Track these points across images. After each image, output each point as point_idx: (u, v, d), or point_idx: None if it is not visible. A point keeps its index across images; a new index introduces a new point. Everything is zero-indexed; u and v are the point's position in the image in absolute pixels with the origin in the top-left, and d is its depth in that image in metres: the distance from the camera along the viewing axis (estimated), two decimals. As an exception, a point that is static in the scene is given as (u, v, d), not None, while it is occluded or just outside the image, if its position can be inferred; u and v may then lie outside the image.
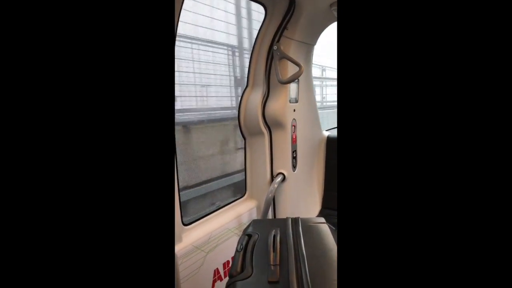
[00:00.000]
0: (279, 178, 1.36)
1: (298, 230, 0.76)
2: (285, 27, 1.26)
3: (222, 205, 1.30)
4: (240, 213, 1.32)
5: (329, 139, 1.72)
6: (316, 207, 1.67)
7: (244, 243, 0.71)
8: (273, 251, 0.65)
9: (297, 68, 1.23)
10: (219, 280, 1.18)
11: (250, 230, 0.80)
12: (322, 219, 0.83)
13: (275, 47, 1.27)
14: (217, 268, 1.17)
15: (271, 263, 0.61)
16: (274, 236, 0.71)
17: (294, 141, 1.43)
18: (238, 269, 0.62)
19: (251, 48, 1.31)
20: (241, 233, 0.86)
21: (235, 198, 1.39)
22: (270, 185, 1.36)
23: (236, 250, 0.69)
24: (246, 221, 1.34)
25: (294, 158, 1.44)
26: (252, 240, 0.73)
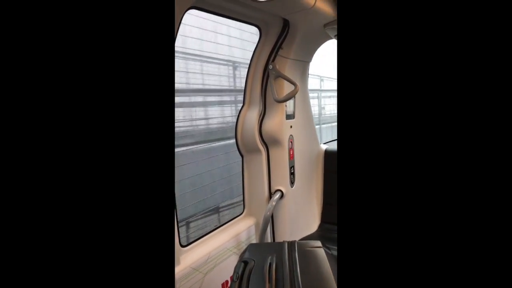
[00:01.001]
0: (277, 195, 1.37)
1: (294, 256, 0.76)
2: (280, 47, 1.28)
3: (219, 224, 1.30)
4: (238, 231, 1.32)
5: (326, 153, 1.73)
6: (315, 221, 1.67)
7: (240, 271, 0.71)
8: (269, 282, 0.65)
9: (293, 86, 1.24)
10: (218, 301, 1.17)
11: (246, 255, 0.80)
12: (319, 243, 0.83)
13: (270, 66, 1.28)
14: (216, 289, 1.17)
15: None
16: (270, 264, 0.71)
17: (291, 157, 1.44)
18: (234, 301, 0.62)
19: (247, 67, 1.33)
20: (240, 251, 0.86)
21: (233, 217, 1.39)
22: (268, 202, 1.36)
23: (232, 280, 0.69)
24: (244, 239, 1.34)
25: (292, 174, 1.45)
26: (248, 267, 0.73)
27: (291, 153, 1.44)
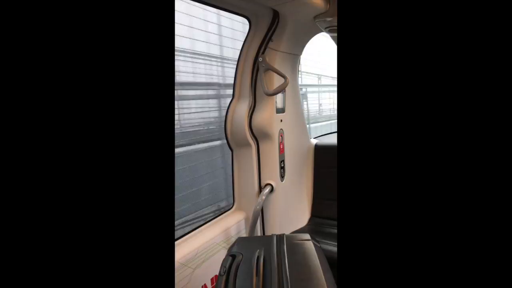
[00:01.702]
0: (267, 190, 1.36)
1: (283, 249, 0.75)
2: (270, 39, 1.26)
3: (209, 219, 1.28)
4: (228, 226, 1.31)
5: (317, 147, 1.73)
6: (305, 215, 1.67)
7: (227, 265, 0.70)
8: (256, 275, 0.64)
9: (283, 79, 1.23)
10: (207, 296, 1.16)
11: (234, 249, 0.79)
12: (308, 236, 0.83)
13: (260, 59, 1.27)
14: (205, 284, 1.16)
15: None
16: (258, 258, 0.70)
17: (281, 151, 1.43)
18: (220, 296, 0.61)
19: (237, 59, 1.31)
20: (229, 246, 0.85)
21: (223, 211, 1.38)
22: (258, 196, 1.35)
23: (219, 274, 0.67)
24: (234, 234, 1.33)
25: (282, 168, 1.44)
26: (235, 261, 0.72)
27: (281, 147, 1.43)
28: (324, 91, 6.11)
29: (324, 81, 6.00)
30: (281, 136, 1.41)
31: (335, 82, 6.37)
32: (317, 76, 5.68)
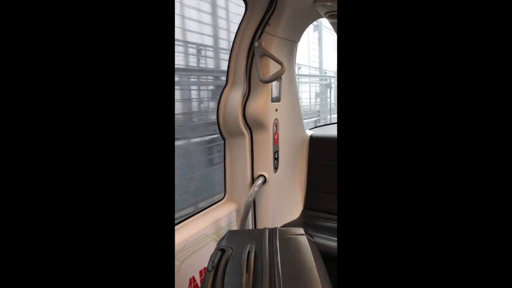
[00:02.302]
0: (259, 181, 1.31)
1: (275, 244, 0.71)
2: (267, 23, 1.19)
3: (198, 210, 1.24)
4: (218, 217, 1.27)
5: (312, 139, 1.69)
6: (298, 208, 1.64)
7: (216, 260, 0.66)
8: (246, 272, 0.60)
9: (279, 66, 1.17)
10: (195, 289, 1.13)
11: (224, 243, 0.75)
12: (301, 230, 0.79)
13: (256, 44, 1.20)
14: (193, 276, 1.12)
15: (243, 286, 0.56)
16: (249, 253, 0.66)
17: (276, 142, 1.38)
18: (207, 293, 0.57)
19: (231, 44, 1.24)
20: (219, 238, 0.81)
21: (214, 202, 1.33)
22: (251, 188, 1.31)
23: (207, 270, 0.63)
24: (224, 225, 1.29)
25: (276, 159, 1.40)
26: (225, 256, 0.67)
27: (276, 138, 1.38)
28: (305, 83, 5.81)
29: (305, 71, 5.73)
30: (276, 126, 1.37)
31: (315, 72, 6.17)
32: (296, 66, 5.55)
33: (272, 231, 0.78)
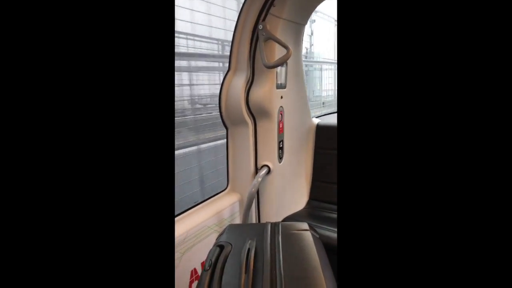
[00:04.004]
0: (263, 171, 1.27)
1: (278, 240, 0.67)
2: (271, 4, 1.11)
3: (200, 200, 1.20)
4: (221, 208, 1.23)
5: (318, 127, 1.62)
6: (303, 198, 1.60)
7: (214, 258, 0.62)
8: (246, 272, 0.56)
9: (285, 51, 1.10)
10: (196, 280, 1.11)
11: (223, 238, 0.71)
12: (306, 225, 0.74)
13: (260, 27, 1.13)
14: (195, 268, 1.10)
15: (242, 287, 0.52)
16: (249, 250, 0.62)
17: (280, 131, 1.32)
18: (203, 294, 0.53)
19: (234, 27, 1.17)
20: (222, 230, 0.78)
21: (216, 192, 1.30)
22: (254, 178, 1.26)
23: (204, 269, 0.59)
24: (227, 216, 1.26)
25: (281, 148, 1.34)
26: (223, 253, 0.63)
27: (281, 126, 1.32)
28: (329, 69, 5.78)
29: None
30: (281, 114, 1.30)
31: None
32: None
33: (275, 225, 0.74)
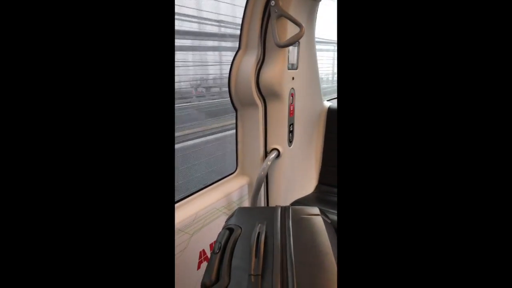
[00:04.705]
0: (273, 155, 1.25)
1: (288, 225, 0.65)
2: None
3: (210, 182, 1.20)
4: (230, 191, 1.22)
5: (330, 110, 1.58)
6: (313, 182, 1.58)
7: (223, 241, 0.61)
8: (255, 256, 0.55)
9: (297, 29, 1.05)
10: (205, 261, 1.12)
11: (233, 221, 0.70)
12: (317, 210, 0.73)
13: (272, 3, 1.07)
14: (203, 249, 1.11)
15: (252, 272, 0.51)
16: (259, 234, 0.60)
17: (291, 114, 1.29)
18: (213, 277, 0.52)
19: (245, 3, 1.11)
20: (230, 212, 0.77)
21: (225, 175, 1.29)
22: (263, 161, 1.24)
23: (213, 252, 0.59)
24: (236, 199, 1.25)
25: (291, 132, 1.31)
26: (233, 236, 0.62)
27: (291, 109, 1.28)
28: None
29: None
30: (292, 96, 1.26)
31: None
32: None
33: (285, 209, 0.72)
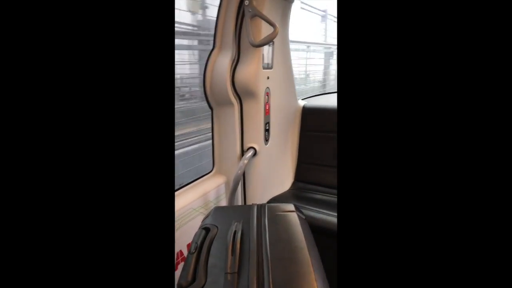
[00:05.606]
0: (249, 153, 1.25)
1: (264, 222, 0.67)
2: None
3: (186, 182, 1.18)
4: (207, 190, 1.22)
5: (304, 109, 1.61)
6: (289, 180, 1.61)
7: (199, 241, 0.61)
8: (232, 254, 0.55)
9: (271, 29, 1.06)
10: (182, 262, 1.11)
11: (209, 220, 0.70)
12: (292, 207, 0.74)
13: (246, 2, 1.08)
14: (181, 250, 1.10)
15: (228, 270, 0.52)
16: (235, 232, 0.61)
17: (267, 112, 1.30)
18: (189, 277, 0.52)
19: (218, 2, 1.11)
20: (208, 212, 0.77)
21: (202, 175, 1.28)
22: (240, 160, 1.25)
23: (189, 252, 0.59)
24: (213, 198, 1.25)
25: (267, 130, 1.33)
26: (209, 236, 0.63)
27: (267, 108, 1.30)
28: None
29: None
30: (267, 95, 1.28)
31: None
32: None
33: (261, 207, 0.74)
